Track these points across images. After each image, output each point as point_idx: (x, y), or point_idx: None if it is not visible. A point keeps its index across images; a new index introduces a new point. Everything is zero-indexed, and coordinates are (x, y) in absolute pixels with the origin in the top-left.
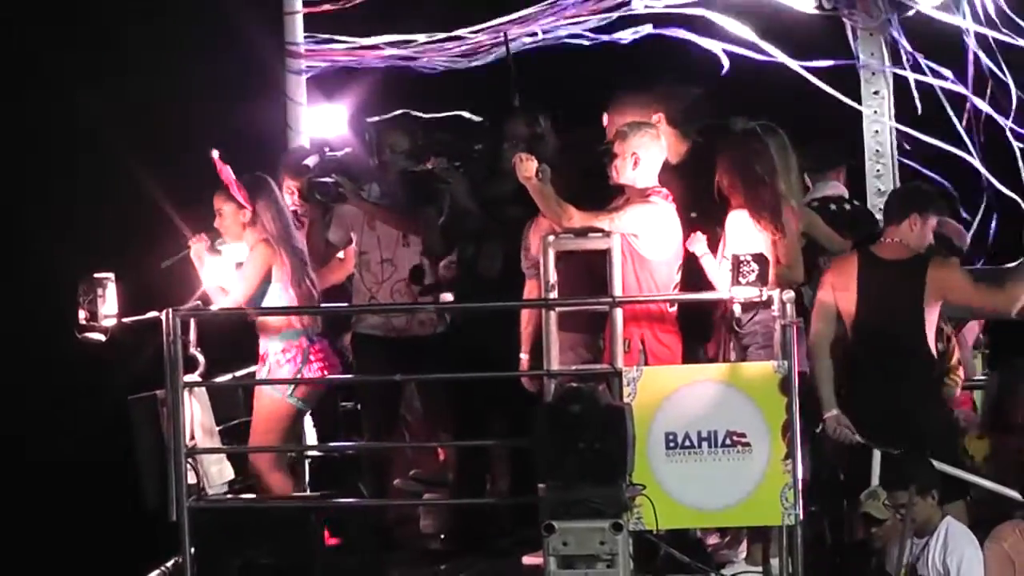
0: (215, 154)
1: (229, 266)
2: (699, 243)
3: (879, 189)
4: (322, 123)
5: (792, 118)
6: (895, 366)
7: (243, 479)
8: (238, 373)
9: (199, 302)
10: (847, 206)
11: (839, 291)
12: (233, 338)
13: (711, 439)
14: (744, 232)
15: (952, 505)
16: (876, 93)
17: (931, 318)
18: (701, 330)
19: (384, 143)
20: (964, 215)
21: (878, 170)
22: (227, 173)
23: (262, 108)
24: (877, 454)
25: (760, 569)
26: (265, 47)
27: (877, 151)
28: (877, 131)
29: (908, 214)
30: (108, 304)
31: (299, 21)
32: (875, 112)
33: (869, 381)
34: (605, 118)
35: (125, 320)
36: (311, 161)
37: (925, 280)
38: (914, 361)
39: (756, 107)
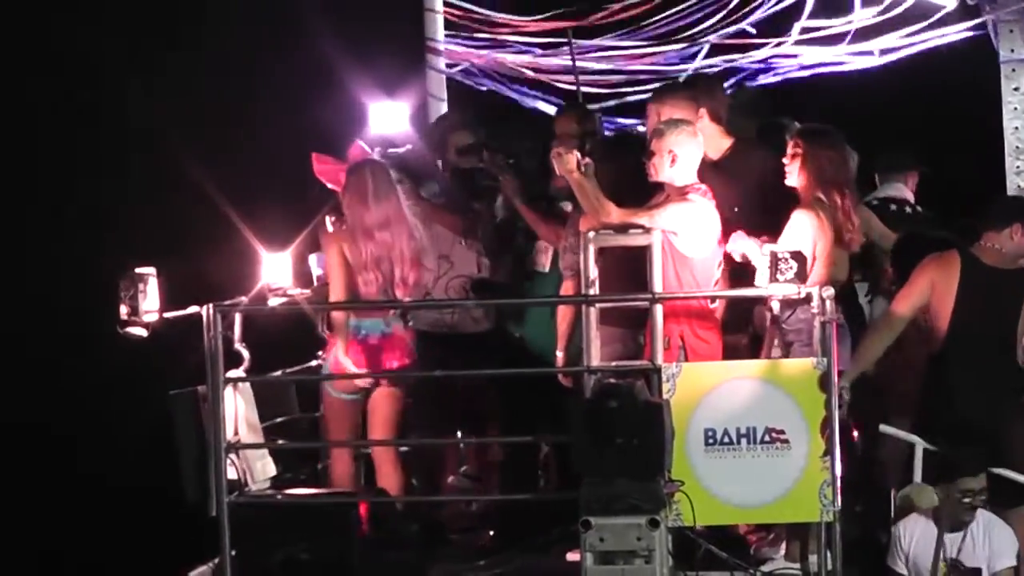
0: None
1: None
2: (740, 242)
3: (1019, 186)
4: (387, 120)
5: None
6: (987, 372)
7: (291, 475)
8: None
9: (243, 298)
10: (907, 209)
11: (939, 288)
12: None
13: (750, 435)
14: (802, 233)
15: (1015, 511)
16: (1016, 89)
17: (1021, 333)
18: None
19: (449, 141)
20: None
21: (1018, 167)
22: (323, 161)
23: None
24: (919, 451)
25: (798, 566)
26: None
27: (1017, 147)
28: (1017, 127)
29: (1011, 223)
30: (150, 299)
31: (439, 19)
32: (1015, 108)
33: (957, 384)
34: (648, 110)
35: (166, 315)
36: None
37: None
38: (1006, 369)
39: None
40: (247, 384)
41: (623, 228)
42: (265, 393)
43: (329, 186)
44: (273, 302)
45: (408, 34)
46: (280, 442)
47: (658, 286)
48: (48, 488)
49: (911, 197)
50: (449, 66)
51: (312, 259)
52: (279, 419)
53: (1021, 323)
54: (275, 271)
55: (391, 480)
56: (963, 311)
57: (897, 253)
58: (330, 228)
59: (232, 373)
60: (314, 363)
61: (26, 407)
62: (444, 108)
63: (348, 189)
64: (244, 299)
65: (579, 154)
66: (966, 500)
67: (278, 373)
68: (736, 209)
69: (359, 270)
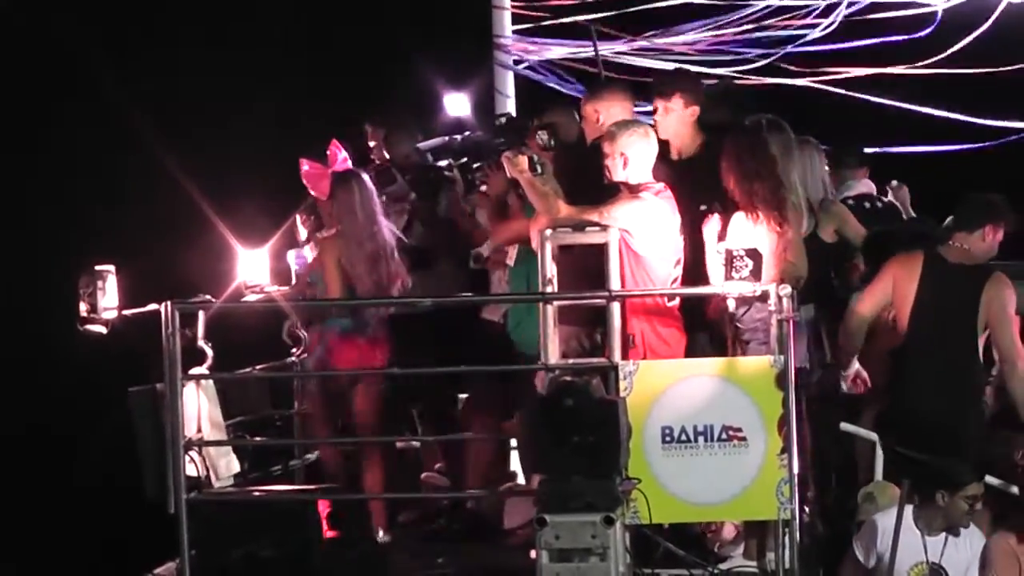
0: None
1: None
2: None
3: None
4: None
5: None
6: (942, 368)
7: (260, 472)
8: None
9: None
10: (879, 204)
11: (900, 284)
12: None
13: (707, 433)
14: (745, 231)
15: (977, 513)
16: None
17: (981, 329)
18: (703, 324)
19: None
20: None
21: None
22: (310, 165)
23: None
24: (879, 448)
25: (755, 563)
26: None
27: None
28: None
29: (982, 225)
30: (108, 296)
31: (507, 16)
32: None
33: (914, 380)
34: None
35: (126, 312)
36: (427, 144)
37: (981, 293)
38: (960, 366)
39: None
40: (210, 382)
41: (580, 226)
42: (236, 390)
43: (312, 192)
44: (250, 299)
45: (476, 28)
46: (258, 439)
47: (615, 284)
48: (30, 489)
49: (874, 190)
50: (516, 62)
51: (290, 255)
52: (248, 416)
53: (980, 318)
54: (252, 268)
55: (376, 477)
56: (921, 307)
57: (869, 249)
58: (301, 227)
59: (195, 370)
60: (288, 360)
61: None
62: (510, 102)
63: (336, 199)
64: (205, 296)
65: (535, 155)
66: (971, 506)
67: (247, 370)
68: (704, 207)
69: (356, 274)
